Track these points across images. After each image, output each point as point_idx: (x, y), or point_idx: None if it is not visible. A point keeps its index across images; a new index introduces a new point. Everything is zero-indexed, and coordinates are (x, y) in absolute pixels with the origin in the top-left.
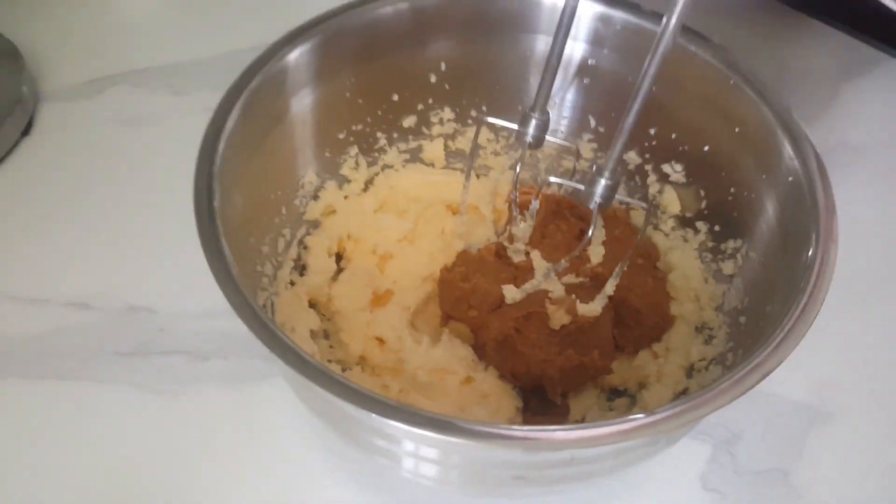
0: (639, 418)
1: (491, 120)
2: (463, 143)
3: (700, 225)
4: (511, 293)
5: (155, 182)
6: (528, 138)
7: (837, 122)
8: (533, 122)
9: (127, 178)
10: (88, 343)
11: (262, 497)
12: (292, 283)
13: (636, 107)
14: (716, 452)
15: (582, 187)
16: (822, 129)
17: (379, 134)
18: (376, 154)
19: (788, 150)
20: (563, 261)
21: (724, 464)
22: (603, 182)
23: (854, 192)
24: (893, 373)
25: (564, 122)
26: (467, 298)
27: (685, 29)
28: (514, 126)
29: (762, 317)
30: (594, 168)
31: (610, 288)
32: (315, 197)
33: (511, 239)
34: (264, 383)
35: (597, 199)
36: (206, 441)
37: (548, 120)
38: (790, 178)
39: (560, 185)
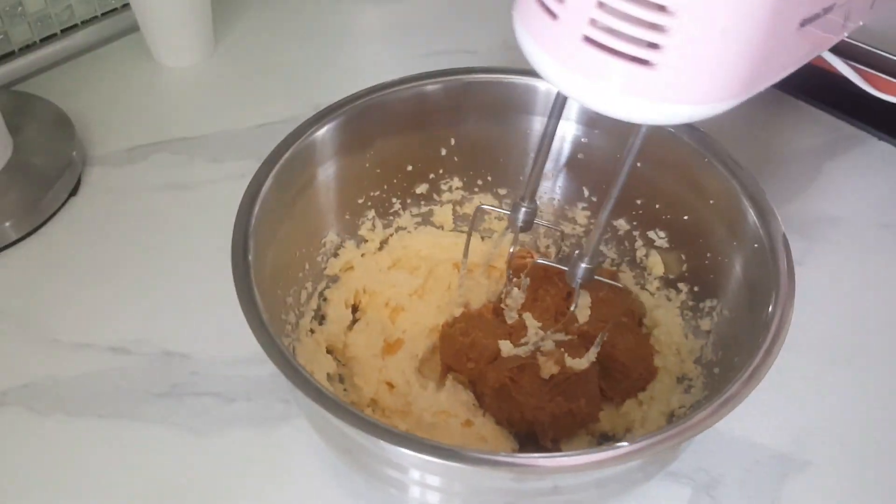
0: (607, 449)
1: (485, 207)
2: (469, 208)
3: (681, 286)
4: (507, 348)
5: (190, 241)
6: (519, 223)
7: (819, 197)
8: (523, 210)
9: (165, 236)
10: (127, 384)
11: None
12: (312, 331)
13: (609, 206)
14: (696, 495)
15: (566, 269)
16: (805, 203)
17: (394, 199)
18: (391, 217)
19: (754, 219)
20: (549, 332)
21: None
22: (583, 266)
23: (835, 260)
24: (866, 425)
25: (559, 191)
26: (466, 352)
27: None
28: (507, 212)
29: (731, 367)
30: (577, 253)
31: (593, 354)
32: (335, 254)
33: (506, 304)
34: (285, 424)
35: (578, 279)
36: (231, 474)
37: (536, 208)
38: (756, 245)
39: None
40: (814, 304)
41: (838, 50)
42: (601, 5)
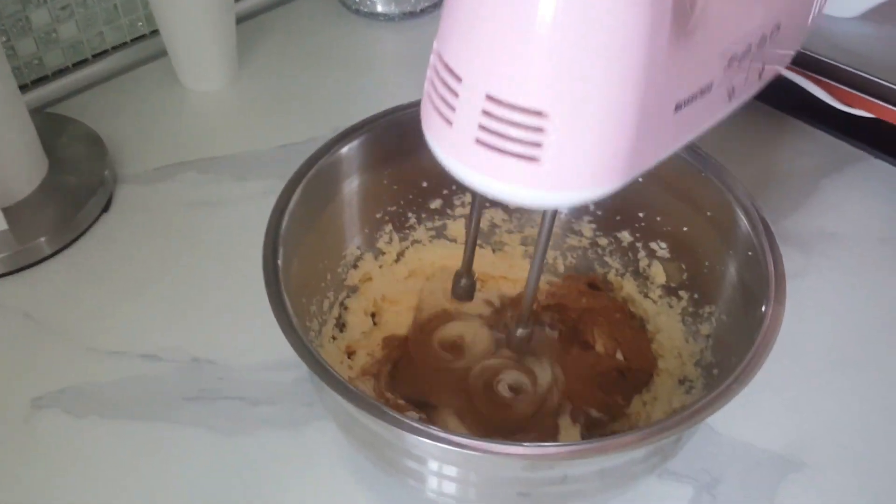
0: (603, 440)
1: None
2: (482, 222)
3: (682, 293)
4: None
5: (216, 255)
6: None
7: (816, 214)
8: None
9: (191, 250)
10: (158, 389)
11: None
12: (334, 338)
13: (535, 272)
14: (698, 494)
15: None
16: (802, 220)
17: (410, 214)
18: (407, 231)
19: (747, 229)
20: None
21: None
22: (519, 332)
23: (833, 274)
24: (861, 430)
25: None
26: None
27: None
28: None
29: (728, 368)
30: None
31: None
32: (355, 266)
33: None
34: (308, 426)
35: (516, 346)
36: (258, 471)
37: (473, 283)
38: (749, 253)
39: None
40: (813, 315)
41: (804, 65)
42: (486, 113)
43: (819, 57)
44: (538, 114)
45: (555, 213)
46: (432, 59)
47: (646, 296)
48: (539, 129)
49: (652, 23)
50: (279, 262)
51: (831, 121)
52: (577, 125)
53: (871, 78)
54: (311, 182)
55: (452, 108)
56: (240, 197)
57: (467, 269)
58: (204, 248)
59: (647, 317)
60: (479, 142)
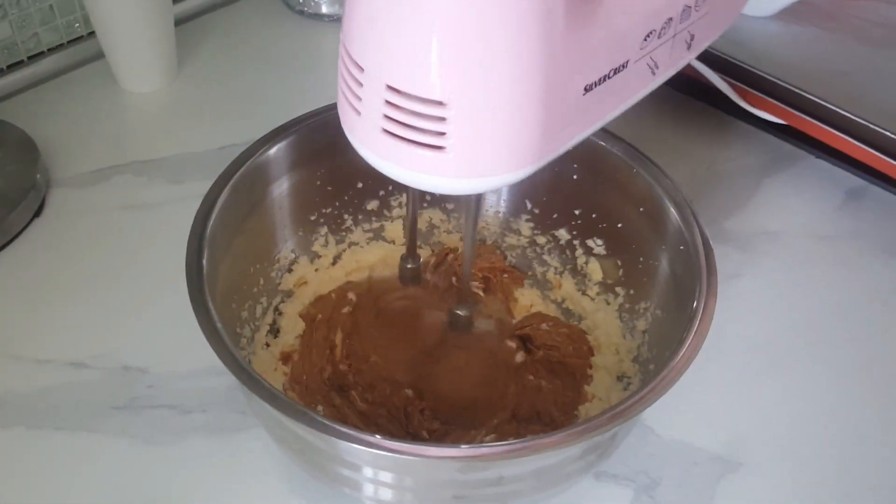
0: (533, 439)
1: None
2: (419, 223)
3: (619, 290)
4: None
5: (149, 259)
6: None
7: (758, 213)
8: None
9: (124, 255)
10: (86, 398)
11: None
12: (267, 345)
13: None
14: (637, 496)
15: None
16: (743, 219)
17: (346, 216)
18: (343, 233)
19: (679, 223)
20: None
21: None
22: (459, 311)
23: (772, 272)
24: (798, 429)
25: (504, 204)
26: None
27: (603, 130)
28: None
29: (663, 363)
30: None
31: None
32: (289, 270)
33: None
34: (240, 434)
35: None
36: (188, 483)
37: (419, 266)
38: (681, 247)
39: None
40: (751, 313)
41: (715, 64)
42: (389, 104)
43: (728, 58)
44: (438, 104)
45: (479, 197)
46: (340, 50)
47: (584, 293)
48: (441, 119)
49: (543, 7)
50: (204, 264)
51: (771, 121)
52: (479, 113)
53: (779, 82)
54: (239, 183)
55: (359, 99)
56: (175, 200)
57: (411, 252)
58: (136, 253)
59: (584, 314)
60: (385, 131)
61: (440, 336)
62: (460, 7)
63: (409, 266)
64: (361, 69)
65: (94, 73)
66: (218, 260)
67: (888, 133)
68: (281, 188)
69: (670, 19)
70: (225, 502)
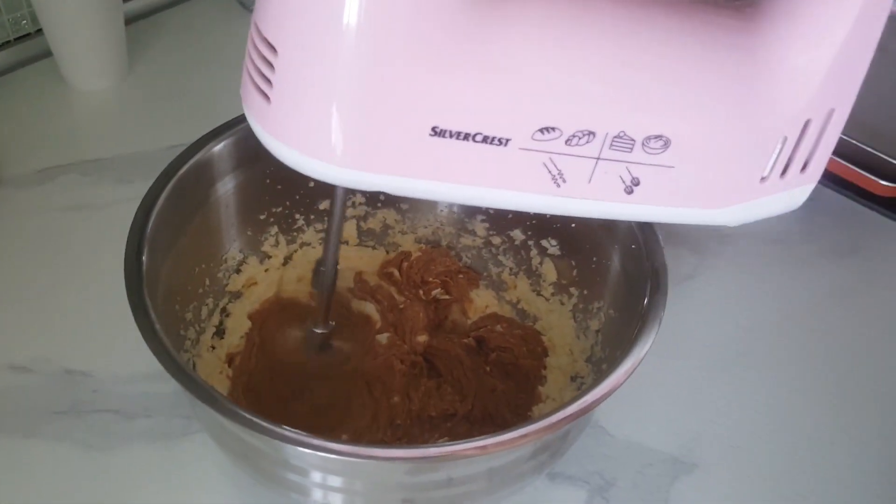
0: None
1: None
2: (373, 223)
3: (573, 290)
4: None
5: (94, 261)
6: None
7: None
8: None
9: (68, 256)
10: (26, 403)
11: None
12: (213, 348)
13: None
14: (591, 497)
15: None
16: None
17: (297, 215)
18: (295, 233)
19: (631, 223)
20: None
21: None
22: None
23: (724, 274)
24: (751, 429)
25: (457, 206)
26: None
27: None
28: None
29: (616, 362)
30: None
31: None
32: (238, 271)
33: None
34: (185, 440)
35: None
36: (131, 489)
37: (335, 276)
38: (632, 246)
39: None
40: (704, 315)
41: None
42: (254, 49)
43: None
44: (271, 47)
45: (344, 191)
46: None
47: (538, 294)
48: (270, 66)
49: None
50: (144, 261)
51: None
52: (301, 72)
53: None
54: (182, 180)
55: (249, 57)
56: (123, 200)
57: (329, 257)
58: (82, 254)
59: (539, 315)
60: (248, 79)
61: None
62: None
63: (322, 271)
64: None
65: (41, 71)
66: (159, 259)
67: (843, 136)
68: (227, 186)
69: (591, 133)
70: None
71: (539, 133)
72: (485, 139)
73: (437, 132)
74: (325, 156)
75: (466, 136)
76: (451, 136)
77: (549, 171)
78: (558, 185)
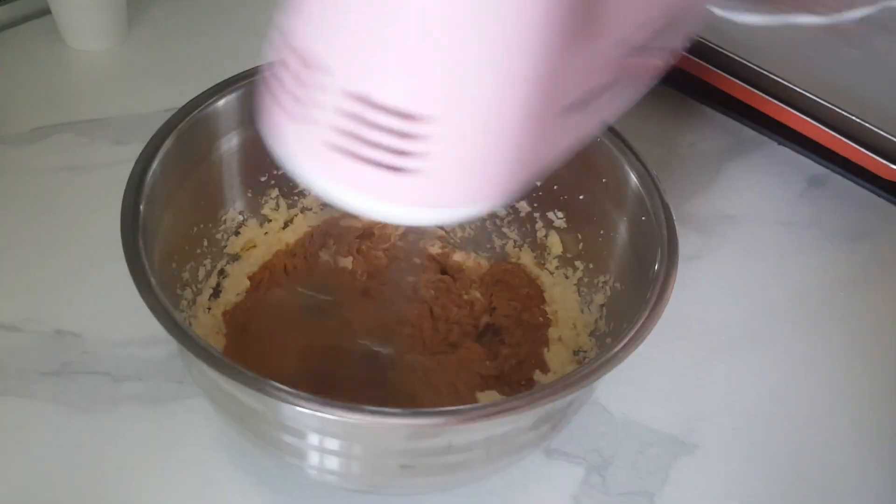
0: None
1: None
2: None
3: (578, 263)
4: None
5: (87, 221)
6: None
7: (718, 197)
8: None
9: (61, 216)
10: (15, 362)
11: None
12: (210, 309)
13: None
14: (588, 475)
15: None
16: (703, 202)
17: None
18: (296, 197)
19: (641, 193)
20: None
21: (596, 485)
22: None
23: (730, 256)
24: (752, 411)
25: None
26: None
27: None
28: None
29: (621, 337)
30: None
31: None
32: (237, 233)
33: None
34: (177, 404)
35: None
36: (120, 451)
37: None
38: (643, 217)
39: None
40: (709, 297)
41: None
42: (348, 115)
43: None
44: (420, 119)
45: None
46: (275, 36)
47: (542, 267)
48: (420, 137)
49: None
50: (141, 211)
51: (734, 105)
52: (465, 132)
53: (742, 61)
54: (183, 136)
55: (300, 102)
56: (118, 161)
57: None
58: (76, 215)
59: (543, 288)
60: (334, 147)
61: None
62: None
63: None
64: (310, 66)
65: (38, 29)
66: (157, 215)
67: (851, 116)
68: (229, 144)
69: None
70: (159, 472)
71: (627, 57)
72: (599, 89)
73: (570, 107)
74: (488, 195)
75: (587, 97)
76: (578, 105)
77: (626, 81)
78: (633, 89)
